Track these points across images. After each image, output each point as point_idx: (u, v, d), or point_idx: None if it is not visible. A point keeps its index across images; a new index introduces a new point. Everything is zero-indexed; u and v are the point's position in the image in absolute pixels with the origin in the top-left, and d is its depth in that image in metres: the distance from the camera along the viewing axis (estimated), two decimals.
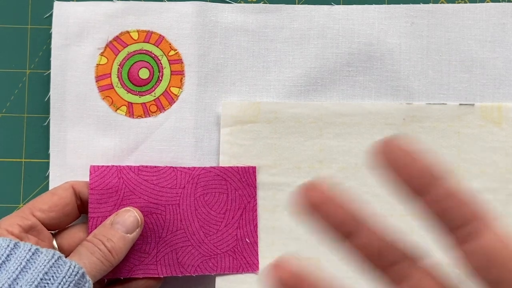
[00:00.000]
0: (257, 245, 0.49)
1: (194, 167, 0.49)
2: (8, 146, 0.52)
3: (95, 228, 0.46)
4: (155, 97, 0.51)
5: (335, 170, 0.49)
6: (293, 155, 0.49)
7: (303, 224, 0.48)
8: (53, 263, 0.39)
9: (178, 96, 0.50)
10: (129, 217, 0.45)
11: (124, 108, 0.51)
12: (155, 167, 0.48)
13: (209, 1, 0.51)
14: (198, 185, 0.48)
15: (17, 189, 0.51)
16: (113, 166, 0.48)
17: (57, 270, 0.38)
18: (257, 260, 0.48)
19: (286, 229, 0.49)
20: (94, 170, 0.47)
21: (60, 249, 0.45)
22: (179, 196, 0.48)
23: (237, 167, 0.49)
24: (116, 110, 0.51)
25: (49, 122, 0.51)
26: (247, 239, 0.49)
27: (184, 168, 0.48)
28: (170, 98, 0.50)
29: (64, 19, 0.51)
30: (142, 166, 0.48)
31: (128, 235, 0.45)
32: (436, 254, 0.49)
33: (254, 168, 0.49)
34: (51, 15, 0.51)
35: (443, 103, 0.49)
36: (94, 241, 0.43)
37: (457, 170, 0.48)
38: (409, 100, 0.50)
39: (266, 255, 0.48)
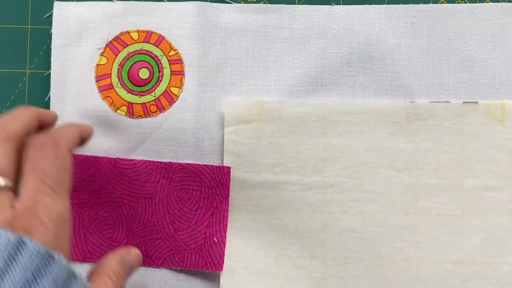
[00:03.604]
0: (224, 245, 0.48)
1: (171, 162, 0.49)
2: None
3: (72, 214, 0.45)
4: (155, 97, 0.50)
5: (339, 168, 0.48)
6: (297, 154, 0.48)
7: (308, 223, 0.48)
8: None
9: (178, 96, 0.50)
10: (135, 261, 0.42)
11: (124, 108, 0.50)
12: (132, 160, 0.48)
13: (209, 1, 0.50)
14: (172, 180, 0.48)
15: None
16: (91, 156, 0.48)
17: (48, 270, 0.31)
18: (222, 261, 0.48)
19: (291, 228, 0.48)
20: (73, 158, 0.46)
21: None
22: (153, 189, 0.48)
23: (213, 166, 0.48)
24: (116, 110, 0.50)
25: None
26: (215, 238, 0.48)
27: (161, 162, 0.48)
28: (170, 98, 0.49)
29: (64, 19, 0.50)
30: (119, 158, 0.49)
31: (124, 275, 0.41)
32: (440, 251, 0.49)
33: (228, 168, 0.48)
34: (51, 15, 0.51)
35: (446, 101, 0.48)
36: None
37: (461, 168, 0.48)
38: (409, 99, 0.49)
39: (271, 254, 0.48)
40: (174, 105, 0.49)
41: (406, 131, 0.48)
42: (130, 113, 0.50)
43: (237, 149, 0.48)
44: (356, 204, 0.48)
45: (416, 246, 0.47)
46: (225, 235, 0.48)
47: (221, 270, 0.48)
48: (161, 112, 0.49)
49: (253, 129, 0.48)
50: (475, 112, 0.48)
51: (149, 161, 0.49)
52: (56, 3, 0.50)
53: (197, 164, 0.49)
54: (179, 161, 0.49)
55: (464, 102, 0.48)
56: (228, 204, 0.48)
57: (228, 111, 0.49)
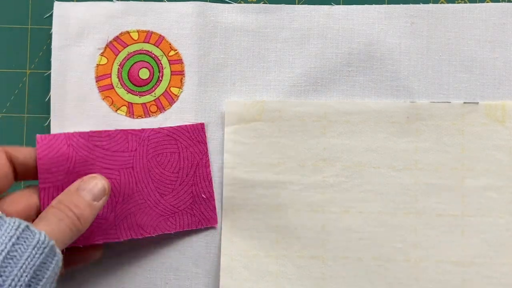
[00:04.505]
0: (213, 199, 0.48)
1: (143, 129, 0.48)
2: None
3: (48, 198, 0.44)
4: (155, 97, 0.50)
5: (339, 168, 0.48)
6: (297, 154, 0.48)
7: (308, 223, 0.48)
8: (20, 234, 0.35)
9: (178, 96, 0.50)
10: (96, 184, 0.43)
11: (124, 108, 0.50)
12: (106, 131, 0.47)
13: (209, 1, 0.50)
14: (149, 146, 0.48)
15: (17, 189, 0.50)
16: (61, 133, 0.45)
17: (24, 242, 0.35)
18: (215, 214, 0.48)
19: (291, 228, 0.48)
20: (41, 139, 0.45)
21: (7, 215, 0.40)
22: (132, 158, 0.47)
23: (186, 125, 0.49)
24: (116, 111, 0.50)
25: (49, 123, 0.50)
26: (203, 195, 0.48)
27: (135, 130, 0.48)
28: (170, 98, 0.49)
29: (64, 19, 0.50)
30: (92, 131, 0.46)
31: (95, 203, 0.42)
32: (440, 252, 0.49)
33: (202, 125, 0.49)
34: (51, 15, 0.50)
35: (447, 102, 0.48)
36: (61, 207, 0.40)
37: (461, 168, 0.47)
38: (409, 100, 0.49)
39: (271, 254, 0.48)
40: (174, 105, 0.49)
41: (406, 131, 0.48)
42: (130, 113, 0.50)
43: (237, 149, 0.48)
44: (356, 204, 0.48)
45: (416, 246, 0.47)
46: (212, 190, 0.48)
47: (216, 224, 0.48)
48: (161, 112, 0.49)
49: (253, 128, 0.48)
50: (475, 112, 0.47)
51: (123, 130, 0.47)
52: (56, 3, 0.50)
53: (170, 127, 0.48)
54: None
55: (464, 103, 0.48)
56: (208, 159, 0.49)
57: (229, 110, 0.48)
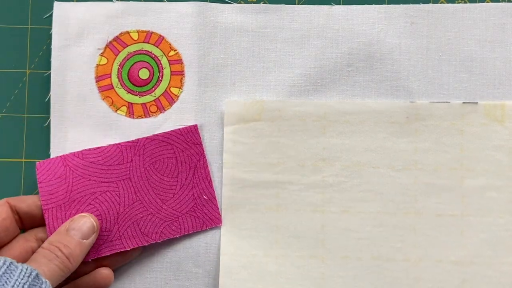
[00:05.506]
0: (215, 199, 0.48)
1: (138, 139, 0.49)
2: (8, 146, 0.51)
3: (52, 219, 0.47)
4: (155, 98, 0.50)
5: (339, 168, 0.48)
6: (296, 154, 0.48)
7: (307, 223, 0.48)
8: (5, 270, 0.37)
9: (178, 96, 0.50)
10: (85, 223, 0.45)
11: (124, 108, 0.50)
12: (99, 147, 0.48)
13: (209, 1, 0.50)
14: (145, 155, 0.48)
15: (17, 189, 0.50)
16: (57, 157, 0.48)
17: (9, 276, 0.37)
18: (219, 214, 0.48)
19: (290, 228, 0.48)
20: (40, 165, 0.48)
21: None
22: (129, 169, 0.48)
23: (179, 129, 0.49)
24: (116, 111, 0.50)
25: (49, 123, 0.50)
26: (204, 196, 0.48)
27: (128, 142, 0.48)
28: (170, 99, 0.49)
29: (64, 19, 0.50)
30: (86, 149, 0.48)
31: (85, 241, 0.45)
32: (439, 251, 0.49)
33: (196, 127, 0.49)
34: (51, 15, 0.51)
35: (446, 102, 0.48)
36: (51, 248, 0.43)
37: (460, 168, 0.47)
38: (409, 100, 0.49)
39: (270, 254, 0.48)
40: (174, 105, 0.49)
41: (405, 131, 0.48)
42: (130, 113, 0.50)
43: (237, 149, 0.48)
44: (356, 204, 0.48)
45: (415, 246, 0.47)
46: (213, 191, 0.49)
47: (221, 223, 0.48)
48: (161, 112, 0.50)
49: (252, 128, 0.48)
50: (474, 112, 0.48)
51: (116, 144, 0.49)
52: (56, 3, 0.50)
53: (164, 132, 0.49)
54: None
55: (463, 103, 0.48)
56: (206, 160, 0.49)
57: (228, 110, 0.49)
